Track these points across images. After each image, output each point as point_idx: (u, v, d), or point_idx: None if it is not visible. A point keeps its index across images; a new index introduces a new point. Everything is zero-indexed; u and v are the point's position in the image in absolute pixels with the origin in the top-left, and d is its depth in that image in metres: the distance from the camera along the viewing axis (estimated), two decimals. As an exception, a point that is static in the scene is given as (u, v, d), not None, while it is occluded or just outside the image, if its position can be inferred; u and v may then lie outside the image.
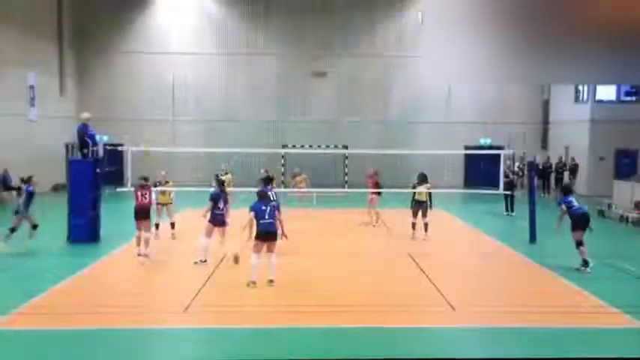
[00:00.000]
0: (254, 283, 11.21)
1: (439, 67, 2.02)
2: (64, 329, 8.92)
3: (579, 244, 13.09)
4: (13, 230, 14.32)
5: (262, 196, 11.81)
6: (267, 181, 15.29)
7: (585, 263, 12.93)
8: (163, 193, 15.93)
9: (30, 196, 14.54)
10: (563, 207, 13.62)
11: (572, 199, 13.77)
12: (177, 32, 32.10)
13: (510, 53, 1.99)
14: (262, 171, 19.45)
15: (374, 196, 18.55)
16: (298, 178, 25.06)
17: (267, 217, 11.38)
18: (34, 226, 14.64)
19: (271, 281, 11.36)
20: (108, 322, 9.20)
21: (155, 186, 15.39)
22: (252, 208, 11.51)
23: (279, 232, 11.76)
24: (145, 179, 13.74)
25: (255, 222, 11.42)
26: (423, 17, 2.02)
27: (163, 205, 16.00)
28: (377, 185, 18.52)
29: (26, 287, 10.99)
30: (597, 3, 1.96)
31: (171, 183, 16.53)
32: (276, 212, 11.78)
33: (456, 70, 2.02)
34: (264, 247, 11.41)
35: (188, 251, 14.50)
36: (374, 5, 32.37)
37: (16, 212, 14.55)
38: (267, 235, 11.35)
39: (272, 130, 32.38)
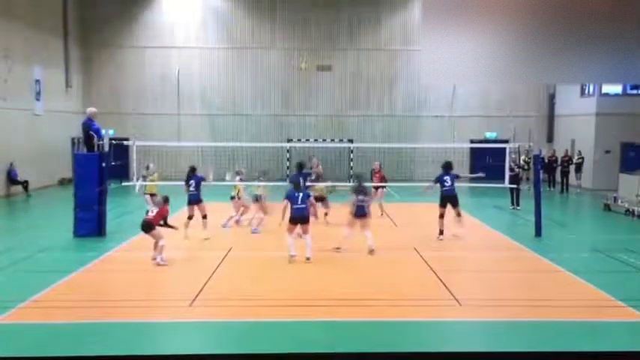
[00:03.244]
0: (293, 256, 12.61)
1: (440, 66, 2.00)
2: (69, 323, 8.96)
3: (441, 216, 15.28)
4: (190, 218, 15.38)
5: (296, 185, 13.36)
6: (300, 166, 16.62)
7: (441, 232, 15.29)
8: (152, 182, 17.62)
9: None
10: (437, 185, 15.49)
11: (447, 178, 15.24)
12: (182, 26, 32.08)
13: (513, 52, 1.98)
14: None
15: (380, 189, 18.83)
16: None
17: (299, 202, 12.82)
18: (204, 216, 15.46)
19: (308, 259, 12.71)
20: (113, 316, 9.24)
21: (144, 178, 17.49)
22: (286, 195, 13.19)
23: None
24: (166, 199, 13.60)
25: (288, 207, 13.15)
26: (422, 14, 2.01)
27: (151, 195, 17.14)
28: (383, 179, 18.79)
29: (32, 281, 11.03)
30: (603, 1, 1.95)
31: (156, 176, 17.91)
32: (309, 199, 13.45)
33: (458, 69, 2.00)
34: (297, 228, 12.97)
35: (194, 245, 14.55)
36: (379, -1, 32.29)
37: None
38: (299, 218, 12.84)
39: (277, 124, 32.38)
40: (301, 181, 15.08)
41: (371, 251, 13.56)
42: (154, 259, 12.48)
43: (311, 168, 20.92)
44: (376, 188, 18.64)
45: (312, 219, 14.19)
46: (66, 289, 10.69)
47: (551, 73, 2.01)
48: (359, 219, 13.74)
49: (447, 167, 15.70)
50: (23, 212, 22.26)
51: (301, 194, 12.97)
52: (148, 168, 18.16)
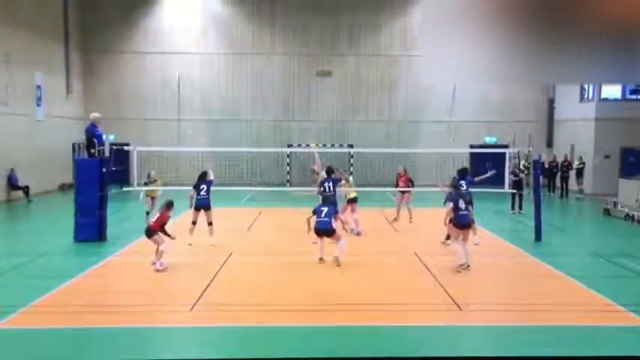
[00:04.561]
0: (321, 259, 13.03)
1: (440, 66, 1.98)
2: (69, 328, 8.91)
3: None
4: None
5: (324, 199, 14.23)
6: (330, 171, 16.32)
7: (448, 237, 14.23)
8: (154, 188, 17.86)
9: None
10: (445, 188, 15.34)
11: (462, 182, 14.91)
12: (182, 32, 32.13)
13: (513, 52, 1.96)
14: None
15: (407, 194, 18.88)
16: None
17: (323, 215, 13.04)
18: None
19: (336, 259, 12.82)
20: (114, 321, 9.20)
21: (146, 184, 17.91)
22: (314, 210, 13.37)
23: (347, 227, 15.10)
24: (168, 205, 13.41)
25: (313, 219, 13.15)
26: (422, 15, 2.04)
27: (152, 197, 17.80)
28: (410, 182, 18.80)
29: (32, 286, 10.98)
30: (603, 1, 1.93)
31: (159, 182, 18.44)
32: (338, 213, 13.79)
33: (457, 70, 1.98)
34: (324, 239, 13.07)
35: (195, 250, 14.52)
36: (379, 4, 32.34)
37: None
38: (322, 231, 13.00)
39: (277, 130, 32.40)
40: (331, 185, 15.51)
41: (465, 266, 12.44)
42: (154, 263, 12.47)
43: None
44: (402, 192, 18.83)
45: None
46: (65, 294, 10.65)
47: (551, 74, 1.98)
48: (462, 229, 12.75)
49: (463, 172, 15.94)
50: (24, 217, 22.26)
51: (326, 209, 13.26)
52: (149, 176, 18.11)
